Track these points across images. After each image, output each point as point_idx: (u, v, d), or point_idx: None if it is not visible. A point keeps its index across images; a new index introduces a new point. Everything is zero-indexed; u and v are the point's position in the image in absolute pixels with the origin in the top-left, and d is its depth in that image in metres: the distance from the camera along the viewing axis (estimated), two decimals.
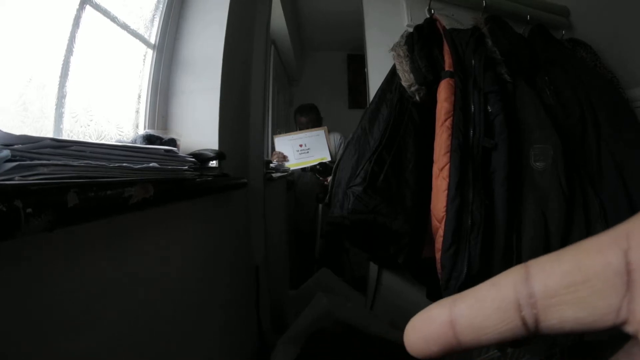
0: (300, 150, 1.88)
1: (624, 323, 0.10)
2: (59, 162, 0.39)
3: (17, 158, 0.35)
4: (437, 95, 1.00)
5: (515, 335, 0.11)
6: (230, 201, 1.02)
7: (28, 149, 0.37)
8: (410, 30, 1.13)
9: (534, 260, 0.11)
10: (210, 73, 0.93)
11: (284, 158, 1.86)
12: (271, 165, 1.64)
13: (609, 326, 0.10)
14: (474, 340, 0.11)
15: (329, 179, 1.88)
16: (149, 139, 0.73)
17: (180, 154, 0.70)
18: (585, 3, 1.48)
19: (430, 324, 0.12)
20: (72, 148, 0.42)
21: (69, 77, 0.61)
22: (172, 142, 0.76)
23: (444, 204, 0.90)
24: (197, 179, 0.70)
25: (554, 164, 0.96)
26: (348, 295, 1.55)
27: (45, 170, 0.36)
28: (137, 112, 0.86)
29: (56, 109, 0.59)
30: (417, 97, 1.02)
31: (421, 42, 1.06)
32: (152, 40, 0.90)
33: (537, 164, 0.97)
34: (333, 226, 1.00)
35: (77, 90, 0.63)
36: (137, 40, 0.84)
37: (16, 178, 0.34)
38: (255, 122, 1.25)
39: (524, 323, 0.11)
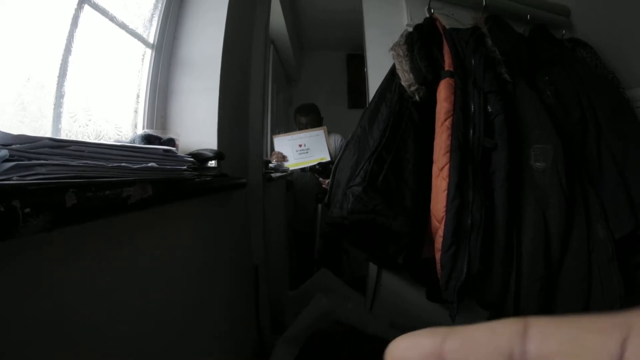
0: (300, 150, 1.88)
1: None
2: (57, 162, 0.38)
3: (15, 158, 0.35)
4: (437, 95, 1.00)
5: None
6: (230, 201, 1.02)
7: (26, 149, 0.37)
8: (410, 29, 1.13)
9: (535, 319, 0.11)
10: (209, 73, 0.93)
11: (283, 158, 1.86)
12: (270, 165, 1.64)
13: None
14: None
15: (320, 179, 1.88)
16: (147, 138, 0.72)
17: (179, 154, 0.70)
18: (586, 3, 1.48)
19: (417, 350, 0.12)
20: (70, 148, 0.42)
21: (67, 77, 0.61)
22: (171, 142, 0.76)
23: (444, 204, 0.90)
24: (196, 179, 0.69)
25: (554, 164, 0.95)
26: (347, 296, 1.55)
27: (43, 170, 0.36)
28: (136, 111, 0.86)
29: (54, 108, 0.58)
30: (417, 97, 1.01)
31: (421, 41, 1.06)
32: (151, 40, 0.89)
33: (538, 164, 0.97)
34: (332, 226, 0.99)
35: (76, 90, 0.63)
36: (136, 40, 0.84)
37: (14, 178, 0.34)
38: (254, 122, 1.25)
39: None
